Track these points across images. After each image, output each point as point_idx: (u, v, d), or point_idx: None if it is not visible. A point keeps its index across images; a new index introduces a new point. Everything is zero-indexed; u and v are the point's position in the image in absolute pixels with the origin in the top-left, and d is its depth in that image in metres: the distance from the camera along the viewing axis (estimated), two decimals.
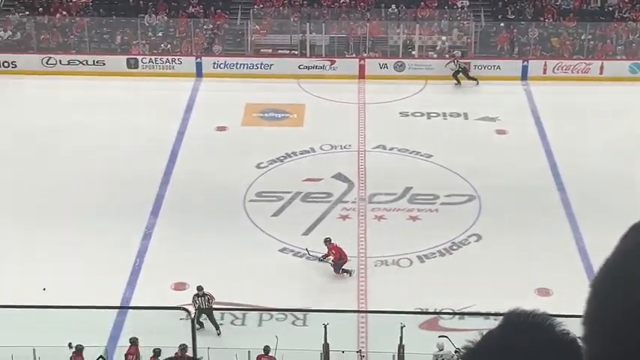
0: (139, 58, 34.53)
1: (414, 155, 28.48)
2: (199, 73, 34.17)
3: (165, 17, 35.99)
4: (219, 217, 24.86)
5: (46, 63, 34.40)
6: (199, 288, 20.70)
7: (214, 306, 20.61)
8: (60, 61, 34.49)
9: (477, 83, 33.41)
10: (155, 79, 33.70)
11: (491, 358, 2.05)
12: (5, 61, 34.51)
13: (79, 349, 18.80)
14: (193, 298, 20.58)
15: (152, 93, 32.65)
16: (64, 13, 36.10)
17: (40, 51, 34.92)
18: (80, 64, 34.42)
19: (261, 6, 36.49)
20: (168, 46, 35.22)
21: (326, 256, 22.57)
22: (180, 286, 21.65)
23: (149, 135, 29.20)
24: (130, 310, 21.11)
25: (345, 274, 22.54)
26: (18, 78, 33.68)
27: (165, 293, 21.35)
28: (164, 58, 34.51)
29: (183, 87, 33.07)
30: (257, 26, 35.74)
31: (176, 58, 34.54)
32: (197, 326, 20.19)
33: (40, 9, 36.22)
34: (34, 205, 25.40)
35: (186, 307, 20.21)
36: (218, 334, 20.44)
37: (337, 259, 22.53)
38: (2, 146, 28.69)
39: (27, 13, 36.09)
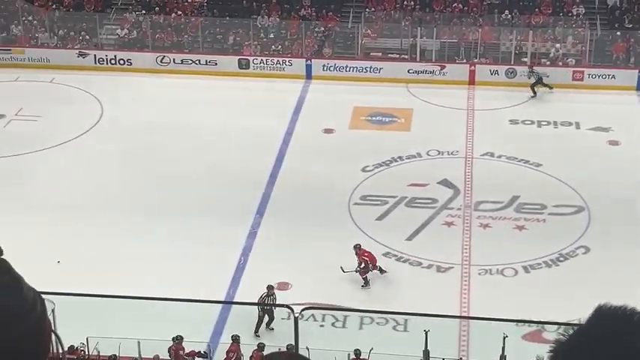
0: (251, 58, 34.95)
1: (523, 164, 28.07)
2: (309, 75, 34.39)
3: (278, 19, 36.34)
4: (323, 219, 24.97)
5: (160, 62, 35.12)
6: (270, 287, 20.81)
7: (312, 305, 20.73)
8: (174, 60, 35.18)
9: (552, 89, 33.01)
10: (265, 80, 34.09)
11: (582, 347, 2.13)
12: (121, 59, 35.37)
13: (179, 340, 19.15)
14: (262, 297, 20.65)
15: (262, 94, 33.01)
16: (179, 12, 36.81)
17: (154, 50, 35.68)
18: (193, 64, 35.05)
19: (373, 9, 36.52)
20: (279, 47, 35.55)
21: (360, 264, 22.21)
22: (283, 286, 21.77)
23: (257, 135, 29.52)
24: (234, 308, 21.35)
25: (364, 284, 22.24)
26: (133, 75, 34.49)
27: None
28: (275, 60, 34.85)
29: (293, 88, 33.35)
30: (368, 30, 35.78)
31: (286, 59, 34.84)
32: (257, 333, 20.45)
33: (156, 8, 37.01)
34: (144, 202, 25.92)
35: (290, 305, 20.35)
36: (256, 334, 20.48)
37: (375, 263, 22.33)
38: (115, 143, 29.37)
39: (143, 12, 36.92)
